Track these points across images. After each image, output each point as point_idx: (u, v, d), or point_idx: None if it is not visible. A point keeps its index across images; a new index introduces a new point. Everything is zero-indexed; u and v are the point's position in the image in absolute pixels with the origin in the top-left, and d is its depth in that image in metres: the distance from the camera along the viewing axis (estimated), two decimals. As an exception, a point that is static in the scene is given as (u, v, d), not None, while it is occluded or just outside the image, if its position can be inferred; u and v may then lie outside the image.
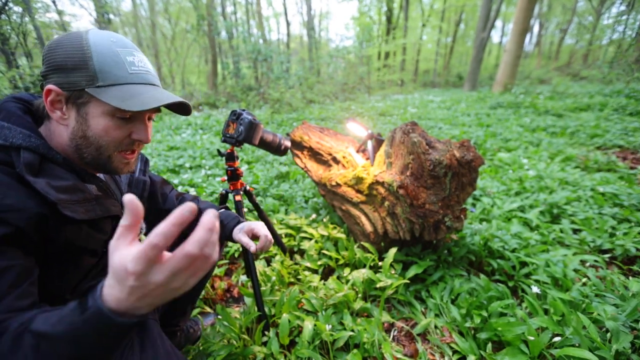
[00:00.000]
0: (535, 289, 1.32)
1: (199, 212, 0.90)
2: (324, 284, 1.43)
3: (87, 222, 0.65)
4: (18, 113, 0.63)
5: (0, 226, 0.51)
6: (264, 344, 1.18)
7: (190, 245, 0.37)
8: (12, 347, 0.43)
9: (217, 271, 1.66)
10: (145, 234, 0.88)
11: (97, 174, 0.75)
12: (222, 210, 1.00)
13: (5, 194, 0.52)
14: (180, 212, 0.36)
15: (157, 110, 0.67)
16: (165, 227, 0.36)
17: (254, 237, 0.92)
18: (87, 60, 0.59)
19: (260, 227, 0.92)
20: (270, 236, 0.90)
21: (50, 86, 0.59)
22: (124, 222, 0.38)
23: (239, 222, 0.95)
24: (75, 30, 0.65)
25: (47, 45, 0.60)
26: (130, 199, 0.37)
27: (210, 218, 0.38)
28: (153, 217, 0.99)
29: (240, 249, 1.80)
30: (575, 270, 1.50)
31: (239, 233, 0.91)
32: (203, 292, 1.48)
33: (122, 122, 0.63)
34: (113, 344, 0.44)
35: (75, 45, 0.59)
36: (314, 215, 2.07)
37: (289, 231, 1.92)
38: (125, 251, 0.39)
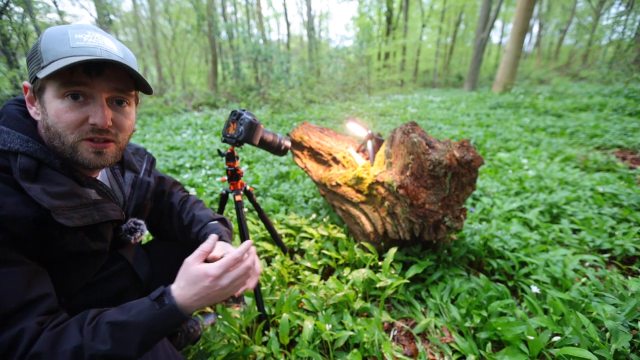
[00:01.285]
0: (534, 289, 1.32)
1: (193, 218, 0.94)
2: (324, 284, 1.43)
3: (84, 228, 0.64)
4: (18, 116, 0.62)
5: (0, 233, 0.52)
6: (264, 343, 1.18)
7: (249, 261, 0.67)
8: (92, 335, 0.53)
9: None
10: (151, 232, 0.88)
11: (98, 178, 0.74)
12: (215, 223, 0.93)
13: (2, 203, 0.52)
14: (247, 245, 0.69)
15: (119, 90, 0.62)
16: (241, 250, 0.66)
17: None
18: (37, 45, 0.57)
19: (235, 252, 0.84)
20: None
21: (24, 83, 0.61)
22: (204, 249, 0.66)
23: (220, 239, 0.86)
24: None
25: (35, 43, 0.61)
26: (214, 238, 0.70)
27: (245, 246, 0.68)
28: (157, 214, 0.98)
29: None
30: (575, 270, 1.51)
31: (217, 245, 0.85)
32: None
33: (74, 104, 0.58)
34: (168, 332, 0.60)
35: (42, 36, 0.58)
36: (314, 215, 2.07)
37: (289, 231, 1.92)
38: (202, 265, 0.62)
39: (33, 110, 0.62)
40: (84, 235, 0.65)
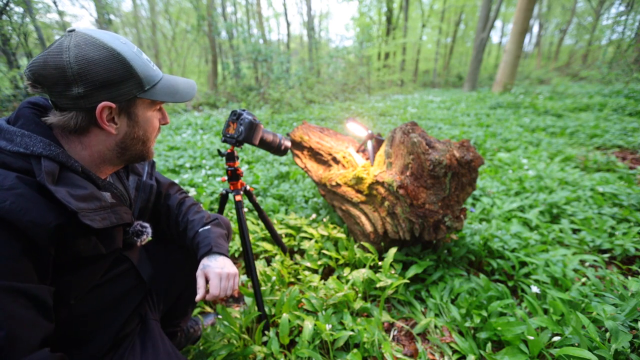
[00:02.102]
0: (534, 289, 1.32)
1: (187, 224, 0.94)
2: (324, 284, 1.43)
3: (97, 233, 0.66)
4: (37, 120, 0.62)
5: (19, 241, 0.52)
6: (264, 343, 1.18)
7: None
8: None
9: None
10: (152, 235, 0.88)
11: (112, 181, 0.76)
12: (207, 228, 0.93)
13: (28, 209, 0.52)
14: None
15: None
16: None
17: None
18: (130, 70, 0.61)
19: (213, 277, 0.81)
20: (218, 293, 0.80)
21: (105, 103, 0.60)
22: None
23: (209, 252, 0.87)
24: (67, 39, 0.61)
25: (75, 63, 0.56)
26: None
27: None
28: (154, 217, 0.98)
29: (240, 249, 1.80)
30: (575, 270, 1.51)
31: (201, 270, 0.83)
32: (203, 292, 1.48)
33: (158, 112, 0.74)
34: None
35: (111, 59, 0.59)
36: (314, 215, 2.07)
37: (289, 231, 1.92)
38: None
39: (112, 128, 0.64)
40: (97, 240, 0.66)
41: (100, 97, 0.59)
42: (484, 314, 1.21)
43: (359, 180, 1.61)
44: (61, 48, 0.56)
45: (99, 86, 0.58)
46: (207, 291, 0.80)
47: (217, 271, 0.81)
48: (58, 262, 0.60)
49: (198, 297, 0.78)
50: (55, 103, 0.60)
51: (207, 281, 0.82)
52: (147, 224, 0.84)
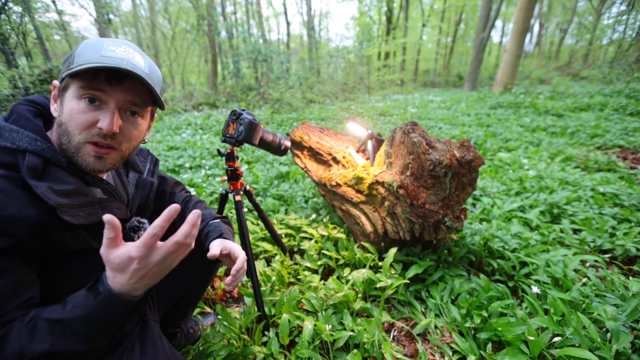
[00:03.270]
0: (535, 289, 1.32)
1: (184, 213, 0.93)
2: (324, 284, 1.43)
3: (86, 227, 0.65)
4: (28, 116, 0.63)
5: (0, 238, 0.52)
6: (264, 344, 1.18)
7: (178, 236, 0.55)
8: (29, 336, 0.51)
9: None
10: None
11: (104, 177, 0.76)
12: (217, 221, 0.95)
13: (6, 204, 0.53)
14: (169, 211, 0.53)
15: (134, 104, 0.65)
16: (160, 221, 0.53)
17: (229, 256, 0.85)
18: (74, 50, 0.62)
19: (238, 250, 0.83)
20: (243, 268, 0.82)
21: (54, 82, 0.64)
22: (109, 235, 0.51)
23: (220, 236, 0.89)
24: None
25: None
26: (110, 219, 0.50)
27: (194, 217, 0.56)
28: (158, 214, 0.98)
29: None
30: (576, 271, 1.50)
31: (214, 242, 0.84)
32: (203, 292, 1.48)
33: (88, 106, 0.61)
34: (121, 318, 0.57)
35: (79, 46, 0.62)
36: (314, 215, 2.07)
37: (289, 231, 1.92)
38: (121, 249, 0.53)
39: (54, 107, 0.65)
40: (86, 235, 0.66)
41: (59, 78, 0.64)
42: (485, 314, 1.21)
43: (359, 180, 1.60)
44: None
45: (62, 65, 0.64)
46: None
47: (238, 248, 0.84)
48: (45, 255, 0.60)
49: (214, 253, 0.77)
50: None
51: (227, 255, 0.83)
52: (145, 220, 0.84)
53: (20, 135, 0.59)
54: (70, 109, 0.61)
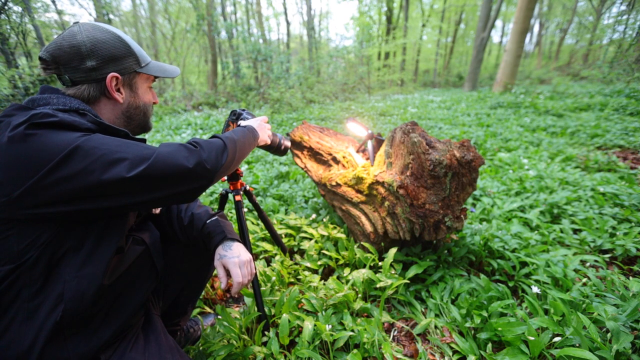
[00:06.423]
0: (535, 289, 1.32)
1: (193, 217, 0.98)
2: (324, 284, 1.43)
3: None
4: (61, 91, 0.72)
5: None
6: (264, 344, 1.18)
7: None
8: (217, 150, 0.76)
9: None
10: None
11: None
12: (215, 219, 0.98)
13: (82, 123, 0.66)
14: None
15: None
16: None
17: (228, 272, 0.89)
18: (130, 49, 0.76)
19: (232, 267, 0.86)
20: (243, 281, 0.86)
21: (113, 74, 0.73)
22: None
23: (223, 239, 0.92)
24: (75, 27, 0.72)
25: (88, 42, 0.69)
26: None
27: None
28: (159, 214, 1.02)
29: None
30: (576, 271, 1.50)
31: (219, 260, 0.88)
32: (203, 292, 1.47)
33: (150, 90, 0.86)
34: (252, 145, 1.01)
35: (115, 39, 0.73)
36: (314, 215, 2.07)
37: (289, 231, 1.92)
38: (257, 118, 1.16)
39: (119, 96, 0.77)
40: None
41: (108, 69, 0.73)
42: (485, 314, 1.21)
43: (359, 180, 1.60)
44: (73, 32, 0.69)
45: (107, 60, 0.72)
46: (230, 283, 0.84)
47: (235, 260, 0.87)
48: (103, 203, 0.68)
49: (223, 285, 0.86)
50: (71, 78, 0.71)
51: (227, 272, 0.88)
52: None
53: (69, 100, 0.69)
54: (146, 92, 0.84)
